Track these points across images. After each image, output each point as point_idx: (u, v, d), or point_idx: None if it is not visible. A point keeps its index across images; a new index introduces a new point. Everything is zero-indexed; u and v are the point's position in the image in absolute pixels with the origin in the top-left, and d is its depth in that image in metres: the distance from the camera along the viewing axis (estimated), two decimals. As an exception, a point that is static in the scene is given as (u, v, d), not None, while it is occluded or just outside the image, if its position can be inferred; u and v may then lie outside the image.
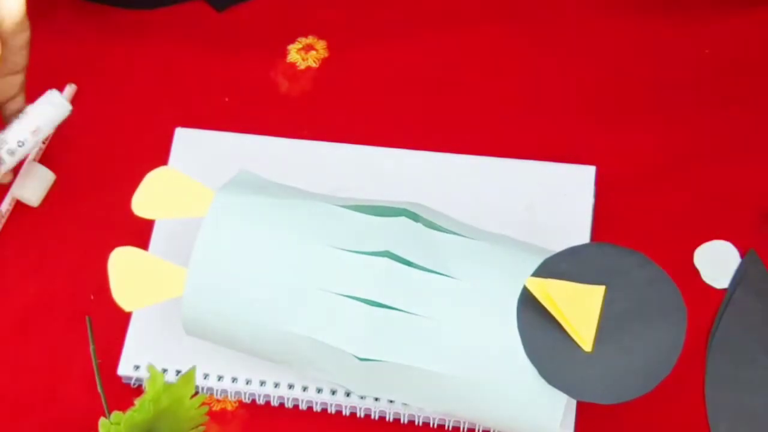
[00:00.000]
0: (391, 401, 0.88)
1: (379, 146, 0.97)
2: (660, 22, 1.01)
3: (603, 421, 0.88)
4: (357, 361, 0.81)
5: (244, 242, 0.82)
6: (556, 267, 0.80)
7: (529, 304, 0.79)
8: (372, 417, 0.89)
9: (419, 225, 0.82)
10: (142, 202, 0.86)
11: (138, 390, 0.91)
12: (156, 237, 0.94)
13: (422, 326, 0.80)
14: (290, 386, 0.89)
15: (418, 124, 0.99)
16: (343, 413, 0.89)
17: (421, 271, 0.81)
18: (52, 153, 1.00)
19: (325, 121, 1.00)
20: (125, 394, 0.90)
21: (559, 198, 0.93)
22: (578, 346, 0.78)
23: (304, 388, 0.89)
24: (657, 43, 1.01)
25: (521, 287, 0.80)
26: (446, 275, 0.80)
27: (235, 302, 0.82)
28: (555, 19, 1.04)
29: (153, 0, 1.05)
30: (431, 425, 0.89)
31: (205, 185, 0.85)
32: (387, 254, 0.81)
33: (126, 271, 0.84)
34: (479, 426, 0.87)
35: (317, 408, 0.89)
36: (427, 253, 0.81)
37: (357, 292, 0.80)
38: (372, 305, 0.80)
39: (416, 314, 0.80)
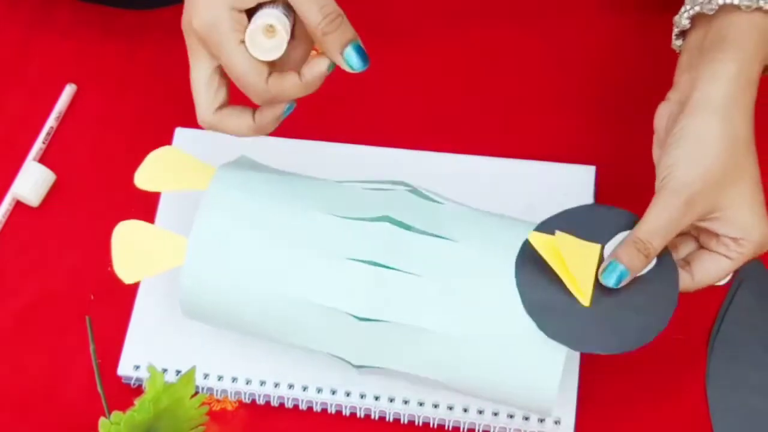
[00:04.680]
0: (391, 400, 0.88)
1: (379, 146, 0.97)
2: (660, 22, 1.01)
3: (603, 422, 0.88)
4: (355, 321, 0.81)
5: (244, 210, 0.83)
6: (551, 228, 0.81)
7: (527, 261, 0.80)
8: (372, 417, 0.89)
9: (416, 195, 0.83)
10: (145, 178, 0.86)
11: (138, 390, 0.91)
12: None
13: (422, 286, 0.80)
14: (290, 386, 0.89)
15: (418, 124, 0.99)
16: (343, 413, 0.89)
17: (421, 235, 0.81)
18: (52, 153, 1.00)
19: (325, 121, 1.00)
20: (125, 394, 0.90)
21: (559, 198, 0.93)
22: (576, 301, 0.79)
23: (304, 388, 0.89)
24: (657, 43, 1.01)
25: (518, 248, 0.81)
26: (445, 237, 0.81)
27: (235, 268, 0.82)
28: (555, 19, 1.04)
29: (153, 0, 1.05)
30: (431, 425, 0.89)
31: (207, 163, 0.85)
32: (386, 219, 0.81)
33: (128, 244, 0.84)
34: (479, 426, 0.87)
35: (317, 408, 0.89)
36: (425, 217, 0.82)
37: (357, 255, 0.81)
38: (372, 265, 0.80)
39: (415, 274, 0.80)
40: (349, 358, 0.83)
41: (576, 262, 0.79)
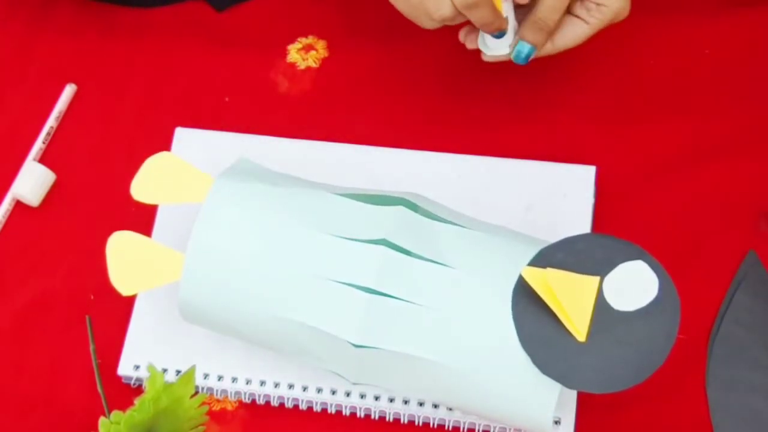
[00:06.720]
0: (391, 400, 0.88)
1: (379, 146, 0.97)
2: (660, 22, 1.01)
3: (603, 422, 0.88)
4: (352, 348, 0.81)
5: (241, 228, 0.82)
6: (551, 257, 0.80)
7: (524, 293, 0.79)
8: (372, 417, 0.89)
9: (417, 214, 0.82)
10: (142, 187, 0.85)
11: (138, 390, 0.91)
12: (156, 238, 0.94)
13: (417, 314, 0.80)
14: (290, 386, 0.89)
15: (418, 124, 0.99)
16: (343, 413, 0.89)
17: (418, 260, 0.81)
18: (52, 153, 1.00)
19: (325, 121, 1.00)
20: (125, 394, 0.90)
21: (559, 198, 0.94)
22: (572, 337, 0.78)
23: (304, 388, 0.89)
24: (657, 43, 1.01)
25: (517, 277, 0.80)
26: (443, 264, 0.81)
27: (232, 288, 0.82)
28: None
29: (153, -2, 1.05)
30: (431, 425, 0.89)
31: (204, 172, 0.85)
32: (384, 242, 0.81)
33: (124, 256, 0.84)
34: (479, 426, 0.87)
35: (317, 408, 0.89)
36: (423, 242, 0.81)
37: (353, 280, 0.81)
38: (368, 292, 0.80)
39: (412, 302, 0.80)
40: (346, 376, 0.84)
41: (571, 297, 0.78)
